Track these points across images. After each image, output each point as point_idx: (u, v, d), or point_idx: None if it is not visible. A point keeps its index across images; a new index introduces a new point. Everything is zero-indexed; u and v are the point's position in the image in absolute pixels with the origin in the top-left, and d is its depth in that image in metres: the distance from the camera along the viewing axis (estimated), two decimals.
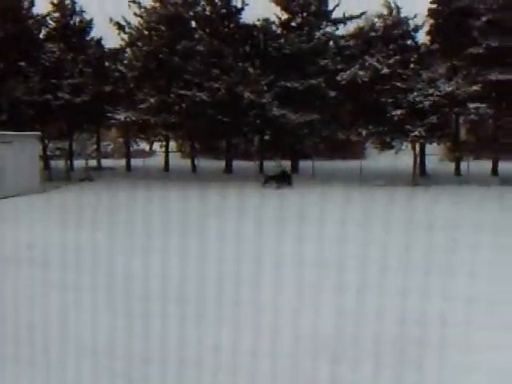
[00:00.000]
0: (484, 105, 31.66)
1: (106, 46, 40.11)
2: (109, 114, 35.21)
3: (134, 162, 43.17)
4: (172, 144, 48.60)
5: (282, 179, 29.50)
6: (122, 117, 34.79)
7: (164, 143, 43.85)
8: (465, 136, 41.59)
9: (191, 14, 37.00)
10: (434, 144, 37.06)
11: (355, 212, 16.80)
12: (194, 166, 39.89)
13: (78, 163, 40.40)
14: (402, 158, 33.71)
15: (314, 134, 35.80)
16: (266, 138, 39.59)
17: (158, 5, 36.98)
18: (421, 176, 33.73)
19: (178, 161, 46.24)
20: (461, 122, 37.91)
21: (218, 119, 33.99)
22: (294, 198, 21.95)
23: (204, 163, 41.23)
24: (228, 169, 38.55)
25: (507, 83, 32.35)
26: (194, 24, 37.78)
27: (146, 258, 10.18)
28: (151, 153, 54.16)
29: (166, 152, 42.62)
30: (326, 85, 34.39)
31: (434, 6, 36.07)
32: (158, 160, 45.31)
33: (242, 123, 35.67)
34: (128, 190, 25.32)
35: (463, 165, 34.84)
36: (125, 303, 8.06)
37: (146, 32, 37.03)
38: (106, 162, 44.59)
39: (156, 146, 51.10)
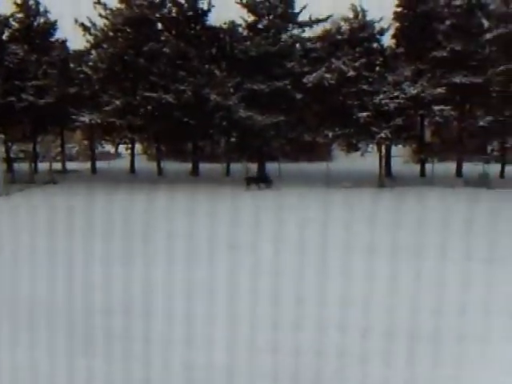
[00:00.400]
0: (448, 107, 32.02)
1: (71, 48, 39.70)
2: (73, 116, 34.70)
3: (100, 164, 42.77)
4: (138, 146, 48.27)
5: (262, 181, 29.78)
6: (86, 119, 34.37)
7: (129, 145, 43.47)
8: (430, 138, 42.07)
9: (157, 15, 36.73)
10: (400, 146, 37.44)
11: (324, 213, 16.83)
12: (160, 169, 39.59)
13: (43, 166, 39.83)
14: (368, 160, 33.95)
15: (281, 136, 35.81)
16: (233, 140, 39.49)
17: (123, 6, 36.64)
18: (386, 177, 34.01)
19: (144, 163, 45.95)
20: (426, 124, 38.34)
21: (184, 121, 33.77)
22: (254, 201, 21.89)
23: (170, 166, 41.01)
24: (194, 171, 38.38)
25: (471, 86, 32.87)
26: (160, 26, 37.54)
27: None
28: (117, 155, 53.70)
29: (132, 154, 42.29)
30: (292, 87, 34.43)
31: (400, 9, 36.44)
32: (123, 162, 44.95)
33: (208, 125, 35.51)
34: (90, 193, 25.02)
35: (428, 166, 35.22)
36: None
37: (111, 34, 36.66)
38: (70, 165, 44.08)
39: (121, 148, 50.69)
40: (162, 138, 40.19)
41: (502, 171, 35.11)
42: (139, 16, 35.25)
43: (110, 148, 53.18)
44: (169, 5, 37.13)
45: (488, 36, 34.51)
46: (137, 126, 34.66)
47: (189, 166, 39.39)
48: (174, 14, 37.11)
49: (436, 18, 34.57)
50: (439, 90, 31.39)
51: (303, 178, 32.75)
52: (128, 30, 35.90)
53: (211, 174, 36.69)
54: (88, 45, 37.73)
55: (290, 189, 27.25)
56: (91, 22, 36.98)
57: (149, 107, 33.51)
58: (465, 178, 32.43)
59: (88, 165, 43.26)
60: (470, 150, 37.47)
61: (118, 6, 36.79)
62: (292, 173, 32.91)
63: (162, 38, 35.51)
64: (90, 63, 37.24)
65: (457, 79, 32.76)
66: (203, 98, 33.45)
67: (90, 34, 37.26)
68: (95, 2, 36.48)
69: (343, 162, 34.29)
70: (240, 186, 29.05)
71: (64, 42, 39.60)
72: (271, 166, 36.48)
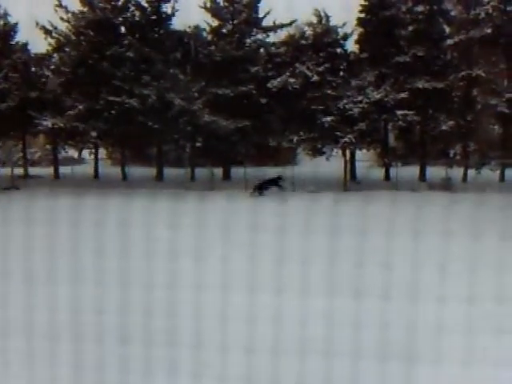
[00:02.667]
0: (411, 112, 32.39)
1: (33, 51, 39.03)
2: (36, 121, 34.30)
3: (63, 169, 42.12)
4: (102, 151, 47.72)
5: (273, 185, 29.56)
6: (49, 123, 33.97)
7: (93, 150, 42.90)
8: (393, 142, 42.42)
9: (120, 19, 36.53)
10: (364, 150, 37.68)
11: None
12: (124, 174, 39.17)
13: (4, 171, 39.07)
14: (333, 164, 34.06)
15: (246, 140, 35.83)
16: (198, 144, 39.35)
17: (86, 9, 36.34)
18: (351, 181, 34.19)
19: (108, 168, 45.36)
20: (389, 129, 38.64)
21: (148, 126, 33.57)
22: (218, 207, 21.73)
23: (135, 170, 40.56)
24: (159, 176, 38.04)
25: (433, 91, 33.27)
26: (123, 30, 37.28)
27: None
28: (80, 160, 53.00)
29: (96, 159, 41.79)
30: (256, 92, 34.52)
31: (363, 15, 36.69)
32: (87, 167, 44.35)
33: (172, 130, 35.33)
34: (52, 198, 24.54)
35: (392, 170, 35.47)
36: None
37: (73, 37, 36.39)
38: (33, 170, 43.34)
39: (85, 153, 50.00)
40: (127, 142, 39.87)
41: (465, 175, 35.54)
42: (102, 19, 35.04)
43: (73, 153, 52.40)
44: (132, 8, 36.93)
45: (449, 42, 35.05)
46: (100, 130, 34.35)
47: (153, 170, 39.02)
48: (137, 18, 36.92)
49: (398, 24, 34.96)
50: (402, 94, 31.76)
51: None
52: (91, 34, 35.69)
53: (176, 178, 36.40)
54: (50, 48, 37.29)
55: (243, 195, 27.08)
56: (52, 25, 36.52)
57: (112, 111, 33.30)
58: (428, 182, 32.75)
59: (51, 170, 42.58)
60: (433, 154, 37.87)
61: (81, 9, 36.48)
62: (258, 178, 32.78)
63: (126, 42, 35.23)
64: (53, 67, 36.77)
65: (419, 84, 33.12)
66: (167, 103, 33.32)
67: (52, 38, 36.81)
68: (56, 5, 36.09)
69: (308, 166, 34.28)
70: (205, 190, 28.91)
71: (25, 44, 38.93)
72: (237, 171, 36.39)
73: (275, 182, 29.94)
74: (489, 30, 33.93)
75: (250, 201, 24.95)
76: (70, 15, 36.48)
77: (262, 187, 29.43)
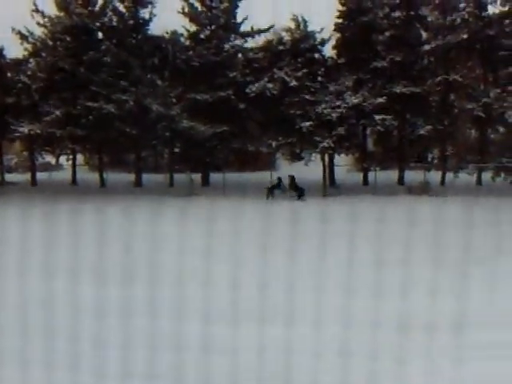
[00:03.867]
0: (389, 116, 32.53)
1: (8, 56, 38.60)
2: (12, 127, 33.94)
3: (40, 176, 41.76)
4: (80, 157, 47.41)
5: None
6: (26, 129, 33.60)
7: (71, 156, 42.57)
8: (372, 147, 42.64)
9: (98, 24, 36.31)
10: (343, 154, 37.82)
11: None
12: (102, 180, 38.88)
13: None
14: (312, 169, 34.11)
15: (224, 146, 35.78)
16: (176, 150, 39.23)
17: (62, 14, 36.10)
18: (330, 186, 34.26)
19: (86, 174, 45.05)
20: (368, 133, 38.84)
21: (126, 132, 33.41)
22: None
23: (113, 176, 40.33)
24: (138, 182, 37.80)
25: (410, 96, 33.48)
26: (100, 35, 37.04)
27: None
28: (58, 166, 52.58)
29: (73, 165, 41.47)
30: (235, 97, 34.49)
31: (340, 20, 36.86)
32: (64, 174, 44.02)
33: (150, 136, 35.21)
34: (28, 205, 24.30)
35: (371, 174, 35.63)
36: None
37: (50, 42, 36.13)
38: (9, 177, 42.88)
39: (63, 159, 49.59)
40: (104, 148, 39.64)
41: (443, 179, 35.80)
42: (79, 24, 34.82)
43: (50, 159, 51.96)
44: (109, 13, 36.77)
45: (426, 47, 35.39)
46: (78, 136, 34.11)
47: (132, 176, 38.78)
48: (114, 23, 36.73)
49: (376, 30, 35.18)
50: (380, 99, 31.89)
51: (247, 188, 32.59)
52: (68, 39, 35.48)
53: (154, 184, 36.25)
54: (26, 53, 36.96)
55: (229, 199, 26.99)
56: (28, 30, 36.25)
57: (90, 117, 33.10)
58: (407, 186, 32.91)
59: (28, 176, 42.17)
60: (411, 158, 38.11)
61: (57, 14, 36.21)
62: (236, 183, 32.73)
63: (103, 47, 35.03)
64: (29, 72, 36.43)
65: (397, 89, 33.34)
66: (145, 108, 33.18)
67: (28, 43, 36.51)
68: (33, 10, 35.84)
69: (287, 171, 34.32)
70: (184, 195, 28.81)
71: (1, 50, 38.52)
72: (215, 176, 36.27)
73: (279, 184, 30.16)
74: (465, 36, 34.32)
75: (228, 206, 24.81)
76: (46, 20, 36.24)
77: (273, 190, 29.57)
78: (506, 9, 35.23)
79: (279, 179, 30.55)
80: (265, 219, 17.89)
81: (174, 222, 15.46)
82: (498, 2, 35.16)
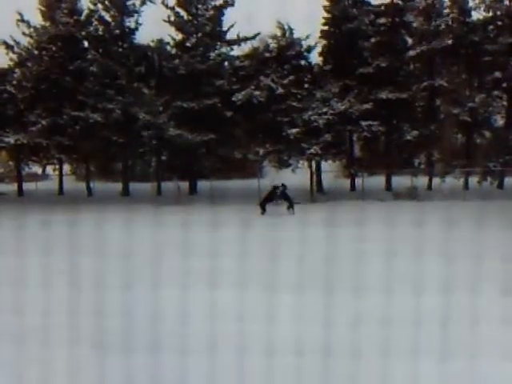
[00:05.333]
0: (376, 122, 32.67)
1: None
2: None
3: (27, 186, 41.54)
4: (67, 166, 47.22)
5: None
6: (12, 139, 33.49)
7: (58, 166, 42.37)
8: (359, 153, 42.78)
9: (83, 33, 36.27)
10: (330, 161, 37.89)
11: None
12: (89, 189, 38.72)
13: None
14: (300, 176, 34.13)
15: (211, 153, 35.76)
16: (163, 158, 39.15)
17: (48, 24, 36.05)
18: (318, 192, 34.32)
19: (73, 184, 44.84)
20: (354, 140, 38.97)
21: (113, 140, 33.37)
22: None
23: (101, 186, 40.20)
24: (125, 191, 37.67)
25: (397, 101, 33.62)
26: (86, 44, 37.02)
27: None
28: (44, 176, 52.37)
29: (60, 175, 41.27)
30: (222, 105, 34.47)
31: (326, 27, 37.00)
32: (51, 184, 43.80)
33: (138, 144, 35.16)
34: (15, 216, 24.18)
35: (358, 180, 35.71)
36: None
37: (36, 52, 36.03)
38: None
39: (49, 168, 49.40)
40: (91, 157, 39.53)
41: (430, 183, 35.96)
42: (65, 34, 34.83)
43: (37, 169, 51.75)
44: (95, 23, 36.71)
45: (412, 53, 35.58)
46: (64, 145, 34.05)
47: (119, 186, 38.64)
48: (100, 32, 36.68)
49: (361, 36, 35.34)
50: (366, 105, 32.05)
51: (235, 195, 32.54)
52: (53, 49, 35.44)
53: (142, 193, 36.14)
54: (12, 63, 36.80)
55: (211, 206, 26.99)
56: (14, 40, 36.12)
57: (76, 126, 33.04)
58: (394, 191, 33.03)
59: (14, 187, 41.95)
60: (398, 163, 38.24)
61: (43, 23, 36.14)
62: (224, 191, 32.64)
63: (89, 57, 34.97)
64: (15, 82, 36.25)
65: (383, 95, 33.47)
66: (132, 117, 33.15)
67: (14, 53, 36.38)
68: (18, 20, 35.72)
69: (275, 178, 34.31)
70: (172, 204, 28.76)
71: None
72: (203, 184, 36.23)
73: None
74: (450, 41, 34.62)
75: (210, 213, 24.76)
76: (32, 30, 36.13)
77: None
78: (490, 15, 35.58)
79: (284, 186, 28.30)
80: (247, 227, 17.86)
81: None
82: (482, 8, 35.49)
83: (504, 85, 35.76)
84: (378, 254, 10.80)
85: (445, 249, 11.38)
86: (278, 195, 26.55)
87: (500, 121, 38.05)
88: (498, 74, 33.96)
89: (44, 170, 53.23)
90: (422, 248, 10.87)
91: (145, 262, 11.83)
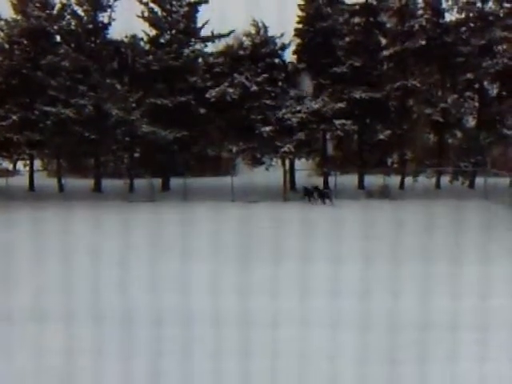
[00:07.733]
0: (349, 121, 32.80)
1: None
2: None
3: None
4: (38, 162, 46.61)
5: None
6: None
7: (28, 162, 41.78)
8: (332, 151, 42.84)
9: (56, 27, 35.86)
10: (303, 159, 37.93)
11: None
12: (60, 185, 38.26)
13: None
14: (273, 174, 34.17)
15: (185, 150, 35.58)
16: (136, 155, 38.87)
17: (19, 17, 35.58)
18: (291, 191, 34.32)
19: (44, 180, 44.29)
20: (328, 138, 39.00)
21: (85, 137, 32.97)
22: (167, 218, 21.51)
23: (72, 182, 39.70)
24: (97, 187, 37.31)
25: (370, 101, 33.77)
26: (58, 38, 36.62)
27: None
28: (15, 172, 51.65)
29: (31, 171, 40.73)
30: (195, 102, 34.35)
31: (300, 26, 36.97)
32: (22, 180, 43.19)
33: (110, 141, 34.88)
34: None
35: (331, 179, 35.77)
36: None
37: (6, 46, 35.53)
38: None
39: (20, 164, 48.74)
40: (63, 153, 39.05)
41: (402, 182, 36.17)
42: (37, 28, 34.46)
43: (7, 164, 50.99)
44: (68, 17, 36.35)
45: (385, 53, 35.87)
46: (36, 141, 33.66)
47: (91, 182, 38.24)
48: (73, 27, 36.32)
49: (336, 35, 35.41)
50: (340, 104, 32.19)
51: (209, 192, 32.44)
52: (25, 42, 35.14)
53: (114, 190, 35.81)
54: None
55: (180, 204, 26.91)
56: None
57: (48, 122, 32.63)
58: (367, 190, 33.19)
59: None
60: (371, 162, 38.38)
61: (14, 17, 35.69)
62: (197, 188, 32.50)
63: (61, 51, 34.49)
64: None
65: (357, 94, 33.60)
66: (105, 113, 32.91)
67: None
68: None
69: (248, 176, 34.33)
70: (145, 201, 28.57)
71: None
72: (176, 181, 36.01)
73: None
74: (423, 42, 34.79)
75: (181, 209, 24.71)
76: (2, 23, 35.64)
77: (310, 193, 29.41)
78: (463, 16, 35.91)
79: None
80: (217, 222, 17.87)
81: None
82: (455, 10, 35.79)
83: (476, 86, 36.20)
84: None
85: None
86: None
87: (472, 121, 38.37)
88: (470, 75, 34.23)
89: (15, 166, 52.46)
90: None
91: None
